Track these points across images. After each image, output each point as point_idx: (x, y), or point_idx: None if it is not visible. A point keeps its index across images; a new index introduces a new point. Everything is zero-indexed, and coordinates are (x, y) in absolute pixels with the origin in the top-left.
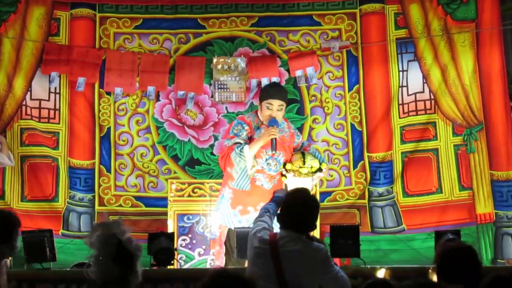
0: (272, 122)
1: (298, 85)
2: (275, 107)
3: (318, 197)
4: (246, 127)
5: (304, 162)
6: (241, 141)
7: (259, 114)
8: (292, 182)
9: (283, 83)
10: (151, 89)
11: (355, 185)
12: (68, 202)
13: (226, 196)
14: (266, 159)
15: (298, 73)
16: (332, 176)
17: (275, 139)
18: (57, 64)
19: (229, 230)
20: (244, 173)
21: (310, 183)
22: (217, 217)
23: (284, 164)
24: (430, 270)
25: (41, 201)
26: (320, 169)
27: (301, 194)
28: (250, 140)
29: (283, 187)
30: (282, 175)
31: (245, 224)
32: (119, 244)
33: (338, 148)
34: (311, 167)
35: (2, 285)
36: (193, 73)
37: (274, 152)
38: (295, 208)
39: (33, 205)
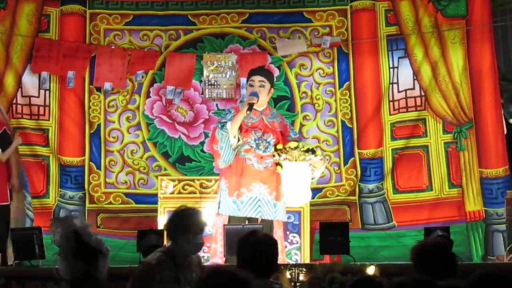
0: (252, 93)
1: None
2: (256, 83)
3: None
4: (233, 111)
5: (296, 143)
6: (226, 121)
7: (246, 98)
8: (288, 170)
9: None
10: (139, 72)
11: (346, 181)
12: (59, 200)
13: (223, 188)
14: (255, 139)
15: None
16: (322, 172)
17: (252, 104)
18: (47, 63)
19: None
20: (228, 146)
21: (307, 171)
22: (211, 216)
23: (275, 145)
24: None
25: (32, 197)
26: (313, 151)
27: (255, 236)
28: None
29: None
30: (277, 164)
31: (241, 207)
32: (78, 239)
33: (328, 144)
34: (302, 146)
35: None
36: (183, 69)
37: (248, 112)
38: (250, 252)
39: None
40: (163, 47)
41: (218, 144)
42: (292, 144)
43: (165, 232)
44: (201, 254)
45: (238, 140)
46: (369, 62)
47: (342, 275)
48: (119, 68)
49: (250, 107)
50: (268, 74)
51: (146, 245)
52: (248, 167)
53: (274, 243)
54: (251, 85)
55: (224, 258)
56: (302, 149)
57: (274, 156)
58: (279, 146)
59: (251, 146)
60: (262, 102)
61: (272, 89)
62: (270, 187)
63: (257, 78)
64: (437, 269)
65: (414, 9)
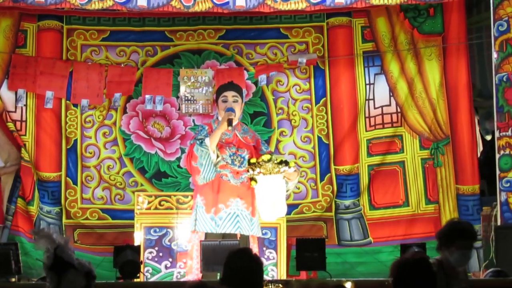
0: (229, 109)
1: (259, 85)
2: (230, 98)
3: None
4: (207, 128)
5: (269, 155)
6: (202, 137)
7: (218, 115)
8: (262, 185)
9: (250, 96)
10: (117, 95)
11: (322, 197)
12: (39, 211)
13: (199, 204)
14: (230, 155)
15: (262, 77)
16: (299, 188)
17: (232, 119)
18: (24, 80)
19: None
20: (209, 163)
21: (282, 184)
22: (187, 231)
23: (249, 161)
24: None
25: (21, 197)
26: (286, 162)
27: (243, 254)
28: None
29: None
30: (251, 179)
31: (219, 223)
32: (54, 253)
33: (305, 160)
34: (276, 158)
35: None
36: (160, 81)
37: (230, 127)
38: (239, 270)
39: (20, 201)
40: (140, 63)
41: (197, 161)
42: (265, 157)
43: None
44: (177, 270)
45: (217, 156)
46: (345, 78)
47: None
48: (96, 84)
49: (230, 122)
50: (239, 89)
51: (122, 261)
52: (224, 183)
53: (261, 263)
54: (224, 101)
55: (200, 275)
56: (275, 162)
57: (248, 171)
58: (253, 160)
59: (226, 162)
60: (236, 117)
61: (243, 103)
62: (246, 202)
63: (230, 94)
64: (417, 286)
65: (391, 25)
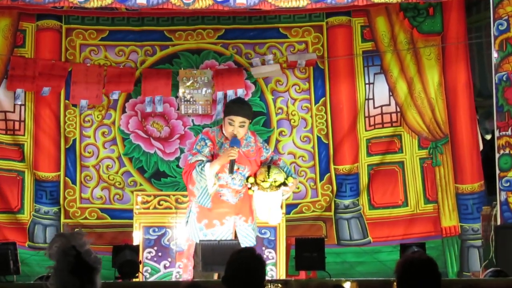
0: (233, 142)
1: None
2: (237, 123)
3: (284, 209)
4: (209, 143)
5: (268, 176)
6: (203, 158)
7: (223, 129)
8: (259, 196)
9: (249, 96)
10: (116, 92)
11: (322, 197)
12: (34, 215)
13: (193, 210)
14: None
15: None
16: (298, 188)
17: (234, 160)
18: (22, 81)
19: (197, 243)
20: (205, 191)
21: (277, 197)
22: (185, 230)
23: (248, 178)
24: (392, 281)
25: (8, 212)
26: (284, 183)
27: (247, 253)
28: (213, 157)
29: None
30: (249, 188)
31: (210, 238)
32: (77, 255)
33: (304, 160)
34: (274, 181)
35: None
36: (160, 83)
37: (230, 174)
38: (242, 270)
39: (2, 216)
40: (138, 63)
41: (194, 186)
42: (264, 184)
43: None
44: (176, 270)
45: (214, 184)
46: (345, 78)
47: None
48: (95, 85)
49: (232, 167)
50: (248, 112)
51: (121, 261)
52: (222, 202)
53: (264, 263)
54: (231, 124)
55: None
56: (274, 185)
57: (248, 188)
58: (251, 180)
59: (226, 182)
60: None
61: (251, 121)
62: (245, 215)
63: (237, 119)
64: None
65: (390, 25)
